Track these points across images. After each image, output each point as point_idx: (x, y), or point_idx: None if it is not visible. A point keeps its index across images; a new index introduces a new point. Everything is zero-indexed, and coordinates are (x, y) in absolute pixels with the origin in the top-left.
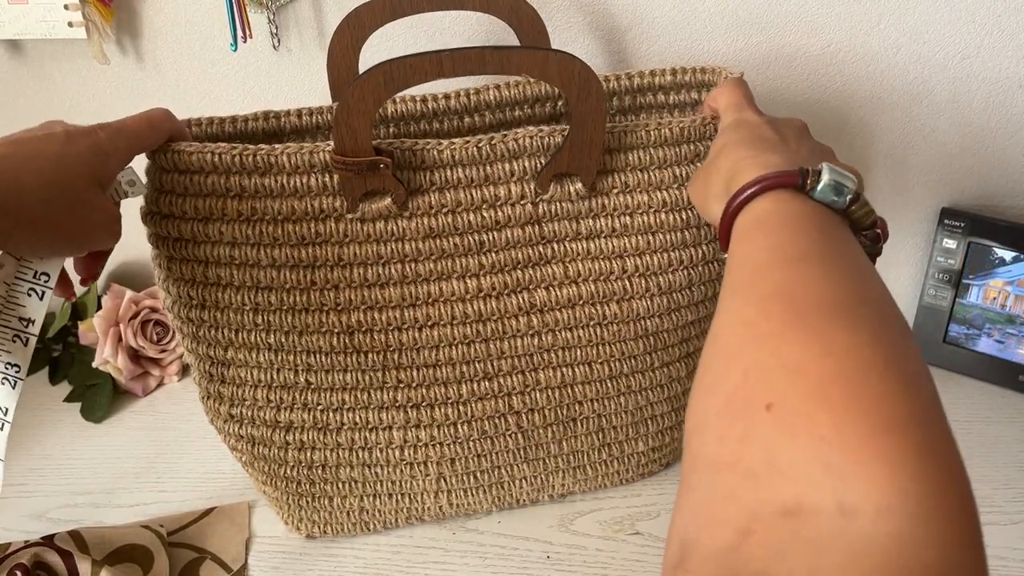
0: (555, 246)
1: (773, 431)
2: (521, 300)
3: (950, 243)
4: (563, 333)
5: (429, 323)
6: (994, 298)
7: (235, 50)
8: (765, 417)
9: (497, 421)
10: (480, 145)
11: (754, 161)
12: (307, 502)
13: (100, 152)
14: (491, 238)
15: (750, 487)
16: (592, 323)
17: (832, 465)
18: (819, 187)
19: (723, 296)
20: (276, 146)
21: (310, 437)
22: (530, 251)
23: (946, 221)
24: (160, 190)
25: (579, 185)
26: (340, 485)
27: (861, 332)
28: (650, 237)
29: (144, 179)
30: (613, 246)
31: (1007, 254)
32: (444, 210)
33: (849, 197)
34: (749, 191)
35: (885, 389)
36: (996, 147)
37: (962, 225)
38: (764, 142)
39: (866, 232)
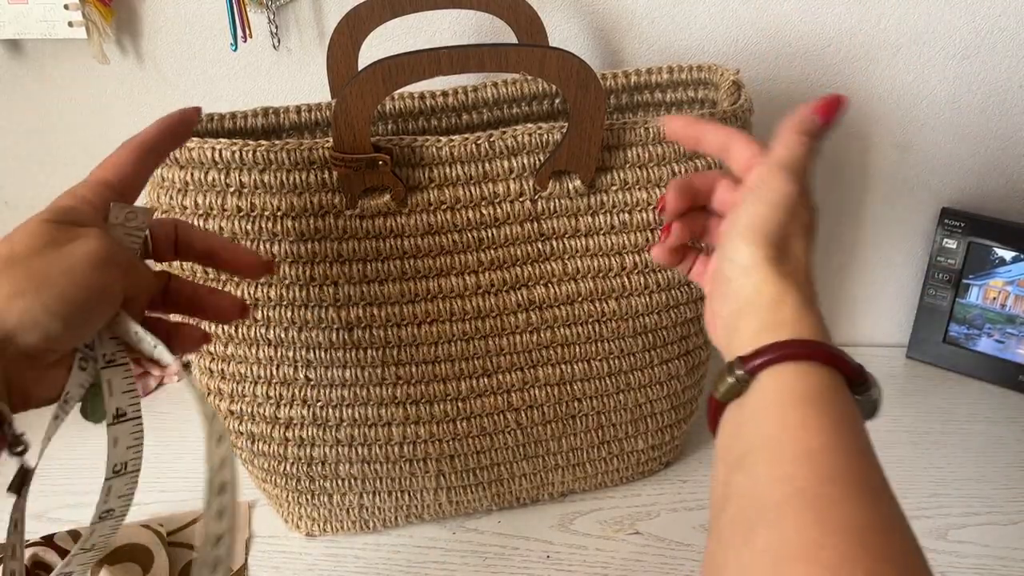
0: (554, 243)
1: None
2: (520, 297)
3: (950, 243)
4: (562, 330)
5: (428, 319)
6: (994, 298)
7: (235, 50)
8: None
9: (496, 418)
10: (479, 142)
11: (810, 312)
12: (307, 499)
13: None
14: (490, 235)
15: None
16: (591, 320)
17: None
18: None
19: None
20: (275, 142)
21: (309, 433)
22: (529, 248)
23: (946, 221)
24: (160, 185)
25: (578, 182)
26: (339, 482)
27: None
28: (649, 234)
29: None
30: (612, 243)
31: (1007, 254)
32: (443, 207)
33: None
34: (800, 353)
35: None
36: (996, 147)
37: (962, 225)
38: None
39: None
